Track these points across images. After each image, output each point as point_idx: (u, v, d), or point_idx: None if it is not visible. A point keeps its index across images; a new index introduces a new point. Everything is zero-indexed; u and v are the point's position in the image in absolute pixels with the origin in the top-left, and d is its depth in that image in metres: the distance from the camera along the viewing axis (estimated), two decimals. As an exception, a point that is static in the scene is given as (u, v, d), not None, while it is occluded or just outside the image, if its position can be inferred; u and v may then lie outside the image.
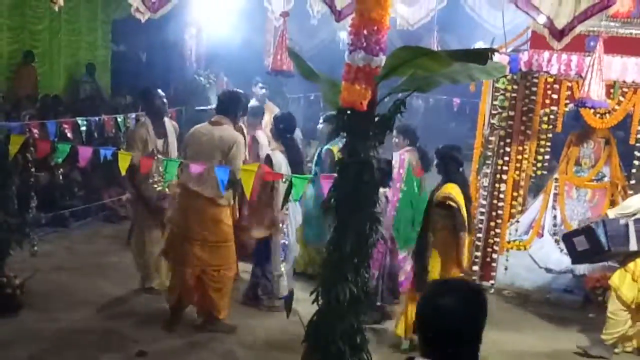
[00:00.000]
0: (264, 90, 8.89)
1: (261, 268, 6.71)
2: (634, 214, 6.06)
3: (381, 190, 6.00)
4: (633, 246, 6.03)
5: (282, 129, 6.79)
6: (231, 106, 6.17)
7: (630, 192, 7.36)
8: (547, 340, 6.39)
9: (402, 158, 7.41)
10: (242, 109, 6.58)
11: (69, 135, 7.36)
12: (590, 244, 6.13)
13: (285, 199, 5.21)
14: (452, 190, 5.80)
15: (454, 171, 5.95)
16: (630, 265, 6.12)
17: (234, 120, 6.27)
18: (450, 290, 2.22)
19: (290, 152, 6.70)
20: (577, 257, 6.32)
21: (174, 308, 6.17)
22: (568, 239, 6.39)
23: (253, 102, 8.50)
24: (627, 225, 6.03)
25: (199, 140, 5.97)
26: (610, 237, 6.02)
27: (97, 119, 8.07)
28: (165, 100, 6.81)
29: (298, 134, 9.83)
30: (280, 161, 6.52)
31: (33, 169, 7.22)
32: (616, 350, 6.27)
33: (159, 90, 6.77)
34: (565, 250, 7.23)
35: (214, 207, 5.94)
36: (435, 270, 5.84)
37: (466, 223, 5.78)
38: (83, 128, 7.32)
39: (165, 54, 11.63)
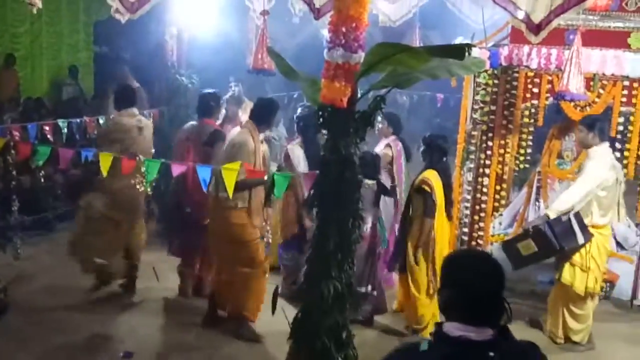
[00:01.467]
0: (235, 88, 8.81)
1: None
2: (571, 210, 6.09)
3: (369, 181, 6.11)
4: (580, 239, 6.09)
5: (303, 126, 6.94)
6: (263, 115, 6.08)
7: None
8: (534, 331, 6.46)
9: (398, 149, 7.54)
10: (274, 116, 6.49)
11: (50, 137, 7.34)
12: (539, 247, 6.13)
13: (268, 197, 5.22)
14: (430, 175, 6.01)
15: (438, 159, 6.16)
16: (576, 258, 6.19)
17: (265, 128, 6.27)
18: (482, 258, 2.49)
19: (309, 148, 6.81)
20: (520, 262, 6.27)
21: (211, 307, 6.29)
22: (511, 245, 6.35)
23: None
24: (569, 221, 6.08)
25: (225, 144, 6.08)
26: (559, 235, 6.05)
27: (78, 120, 8.04)
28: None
29: (282, 131, 9.88)
30: (299, 156, 6.63)
31: (14, 172, 7.18)
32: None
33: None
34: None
35: (226, 209, 5.85)
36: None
37: (435, 210, 5.99)
38: (64, 130, 7.30)
39: (147, 55, 11.59)
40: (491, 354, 2.23)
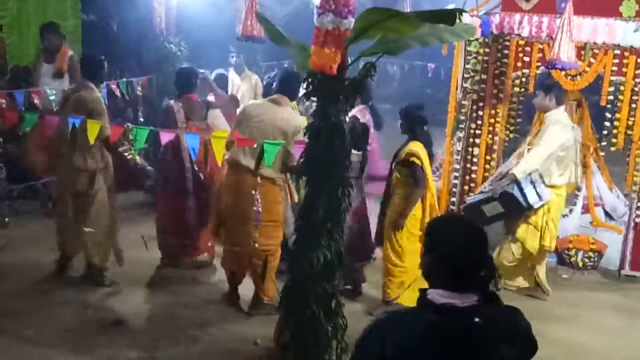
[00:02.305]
0: (234, 58, 8.80)
1: None
2: (536, 170, 6.40)
3: (356, 152, 6.04)
4: (545, 197, 6.43)
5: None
6: (293, 86, 5.91)
7: (602, 153, 7.43)
8: (521, 300, 6.49)
9: (367, 119, 7.43)
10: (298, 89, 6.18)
11: (38, 105, 7.26)
12: (506, 207, 6.42)
13: (257, 164, 5.18)
14: (416, 147, 5.94)
15: (419, 130, 6.07)
16: (533, 217, 6.52)
17: (291, 101, 6.11)
18: (465, 223, 2.44)
19: None
20: (483, 222, 6.27)
21: (231, 284, 6.13)
22: (474, 207, 6.55)
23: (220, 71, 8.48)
24: (532, 181, 6.38)
25: (258, 117, 5.70)
26: (527, 195, 6.35)
27: (66, 88, 7.94)
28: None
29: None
30: None
31: (1, 140, 7.12)
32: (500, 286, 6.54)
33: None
34: None
35: (271, 185, 5.75)
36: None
37: (426, 181, 5.98)
38: (52, 97, 7.22)
39: (136, 22, 11.46)
40: (476, 319, 2.23)
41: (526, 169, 6.36)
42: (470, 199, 6.86)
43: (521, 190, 6.33)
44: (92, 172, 6.13)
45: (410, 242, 6.02)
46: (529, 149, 6.69)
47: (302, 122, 5.53)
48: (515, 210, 6.45)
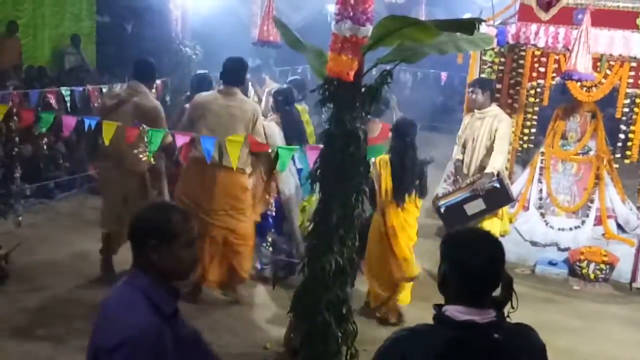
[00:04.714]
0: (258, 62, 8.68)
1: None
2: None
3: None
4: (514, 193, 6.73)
5: (281, 101, 6.73)
6: (240, 75, 6.06)
7: (615, 165, 7.41)
8: (532, 311, 6.45)
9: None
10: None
11: (53, 105, 7.30)
12: (489, 204, 6.57)
13: (271, 170, 5.20)
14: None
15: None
16: (499, 211, 6.74)
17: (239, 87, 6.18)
18: (489, 240, 2.38)
19: (288, 124, 6.66)
20: (461, 222, 6.46)
21: (196, 281, 6.10)
22: (456, 207, 6.67)
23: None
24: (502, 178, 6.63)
25: (215, 111, 5.83)
26: (510, 190, 6.68)
27: (81, 89, 7.99)
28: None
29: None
30: (275, 133, 6.50)
31: (17, 139, 7.16)
32: None
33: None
34: (549, 224, 7.32)
35: (240, 176, 5.88)
36: None
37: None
38: (67, 98, 7.26)
39: (151, 25, 11.52)
40: (496, 335, 2.22)
41: (499, 167, 6.56)
42: (448, 201, 6.82)
43: (504, 184, 6.53)
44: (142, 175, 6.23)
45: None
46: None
47: (257, 107, 5.82)
48: (499, 204, 6.63)
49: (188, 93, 7.17)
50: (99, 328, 2.43)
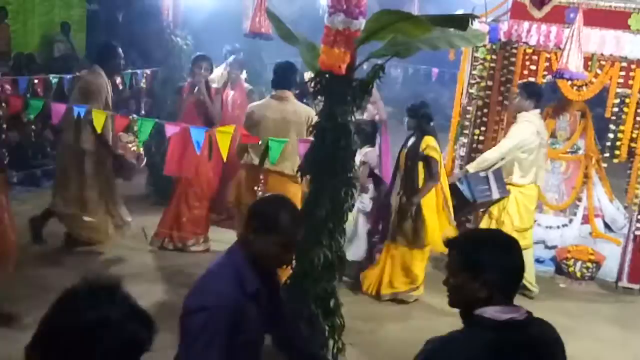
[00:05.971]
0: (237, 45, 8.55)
1: None
2: (492, 166, 6.54)
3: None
4: (495, 194, 6.53)
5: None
6: (289, 78, 5.92)
7: (604, 165, 7.44)
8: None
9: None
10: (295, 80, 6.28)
11: (40, 93, 7.26)
12: (456, 200, 6.53)
13: (262, 161, 5.18)
14: (432, 141, 6.22)
15: (427, 126, 6.32)
16: (494, 211, 6.65)
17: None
18: (511, 239, 2.43)
19: None
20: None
21: None
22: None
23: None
24: (487, 177, 6.53)
25: (269, 117, 5.71)
26: (474, 189, 6.50)
27: (70, 76, 7.94)
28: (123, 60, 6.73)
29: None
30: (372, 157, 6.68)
31: (4, 125, 7.11)
32: None
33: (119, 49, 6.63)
34: (536, 222, 7.33)
35: (293, 185, 5.66)
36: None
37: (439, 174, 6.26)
38: (55, 86, 7.21)
39: (141, 14, 11.44)
40: (531, 331, 2.28)
41: (478, 166, 6.55)
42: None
43: (468, 184, 6.50)
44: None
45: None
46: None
47: (311, 111, 5.67)
48: (462, 203, 6.60)
49: (180, 84, 7.11)
50: (191, 290, 2.68)
